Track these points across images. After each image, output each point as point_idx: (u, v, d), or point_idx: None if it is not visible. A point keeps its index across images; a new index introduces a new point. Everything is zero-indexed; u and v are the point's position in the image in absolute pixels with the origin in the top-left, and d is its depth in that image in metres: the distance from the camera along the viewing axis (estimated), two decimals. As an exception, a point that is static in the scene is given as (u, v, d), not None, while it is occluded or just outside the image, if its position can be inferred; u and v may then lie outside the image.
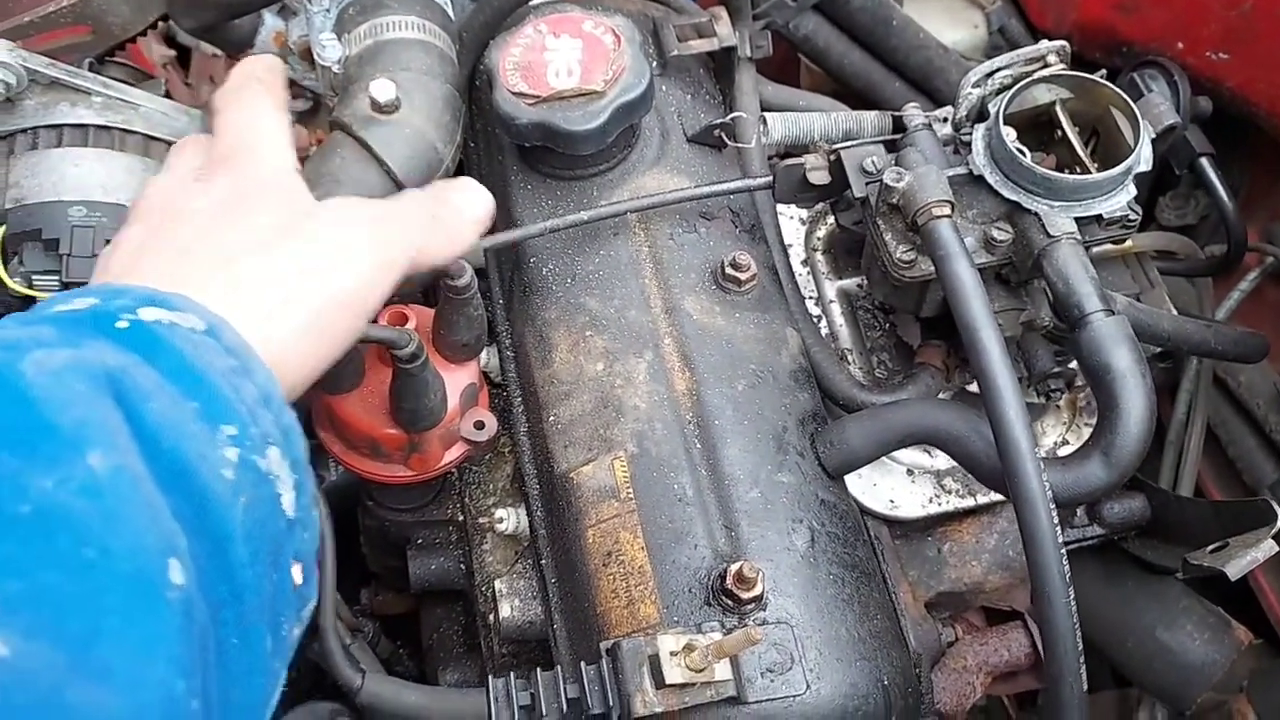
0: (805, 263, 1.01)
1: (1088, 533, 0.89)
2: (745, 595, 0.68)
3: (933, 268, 0.77)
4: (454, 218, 0.68)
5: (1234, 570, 0.70)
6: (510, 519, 0.91)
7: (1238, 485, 1.11)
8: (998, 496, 0.88)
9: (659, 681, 0.64)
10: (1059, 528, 0.68)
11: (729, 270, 0.83)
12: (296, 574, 0.49)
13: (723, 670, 0.64)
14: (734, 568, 0.68)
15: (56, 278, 0.92)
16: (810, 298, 0.99)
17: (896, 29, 1.04)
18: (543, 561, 0.83)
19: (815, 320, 0.95)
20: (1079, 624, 0.69)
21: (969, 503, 0.88)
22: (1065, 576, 0.68)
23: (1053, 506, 0.68)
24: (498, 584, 0.86)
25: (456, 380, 0.84)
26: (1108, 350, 0.69)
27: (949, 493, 0.89)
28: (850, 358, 0.96)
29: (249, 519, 0.46)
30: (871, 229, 0.80)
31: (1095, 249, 0.83)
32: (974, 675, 0.92)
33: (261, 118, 0.65)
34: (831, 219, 1.02)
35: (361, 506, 1.03)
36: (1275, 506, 0.72)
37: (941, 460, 0.90)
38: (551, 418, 0.82)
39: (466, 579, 0.98)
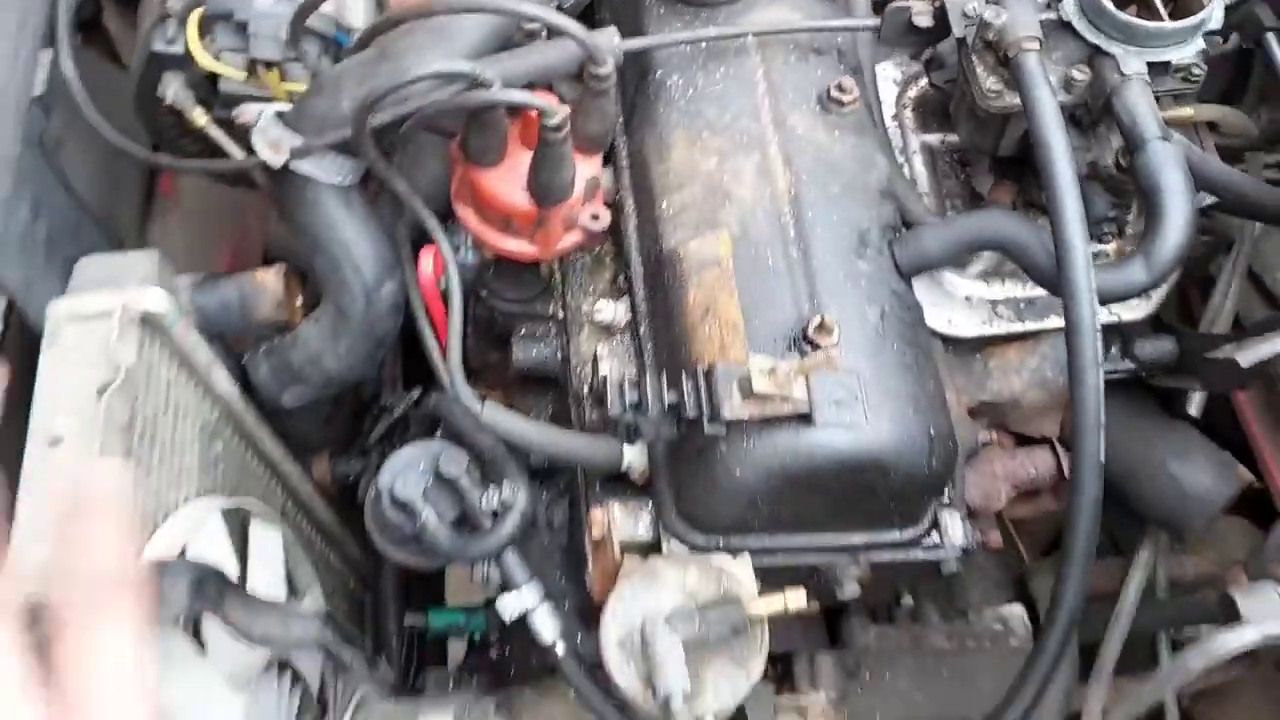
0: (895, 118, 1.13)
1: (1119, 366, 1.01)
2: (824, 342, 0.81)
3: (1017, 101, 0.88)
4: None
5: (1246, 359, 0.81)
6: (608, 309, 1.05)
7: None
8: (1045, 324, 1.00)
9: (746, 393, 0.77)
10: (1099, 318, 0.79)
11: (834, 92, 0.94)
12: None
13: (799, 392, 0.77)
14: (816, 318, 0.81)
15: (243, 54, 1.06)
16: (897, 147, 1.10)
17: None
18: (640, 330, 0.96)
19: (900, 165, 1.07)
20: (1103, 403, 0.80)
21: (1018, 327, 1.00)
22: (1098, 359, 0.80)
23: (1095, 299, 0.79)
24: (599, 347, 0.99)
25: (583, 170, 0.97)
26: (1160, 169, 0.80)
27: (1001, 318, 1.00)
28: (926, 200, 1.07)
29: None
30: (964, 65, 0.91)
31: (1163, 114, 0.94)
32: (1002, 483, 1.04)
33: (116, 674, 0.47)
34: (923, 81, 1.13)
35: (475, 297, 1.17)
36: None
37: (997, 291, 1.01)
38: (664, 204, 0.95)
39: (562, 365, 1.12)
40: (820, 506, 0.86)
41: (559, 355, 1.13)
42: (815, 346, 0.81)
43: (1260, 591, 0.73)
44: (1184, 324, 1.12)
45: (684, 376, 0.80)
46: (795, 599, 0.83)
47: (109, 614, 0.47)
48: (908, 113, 1.13)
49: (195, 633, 0.93)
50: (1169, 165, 0.80)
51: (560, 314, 1.14)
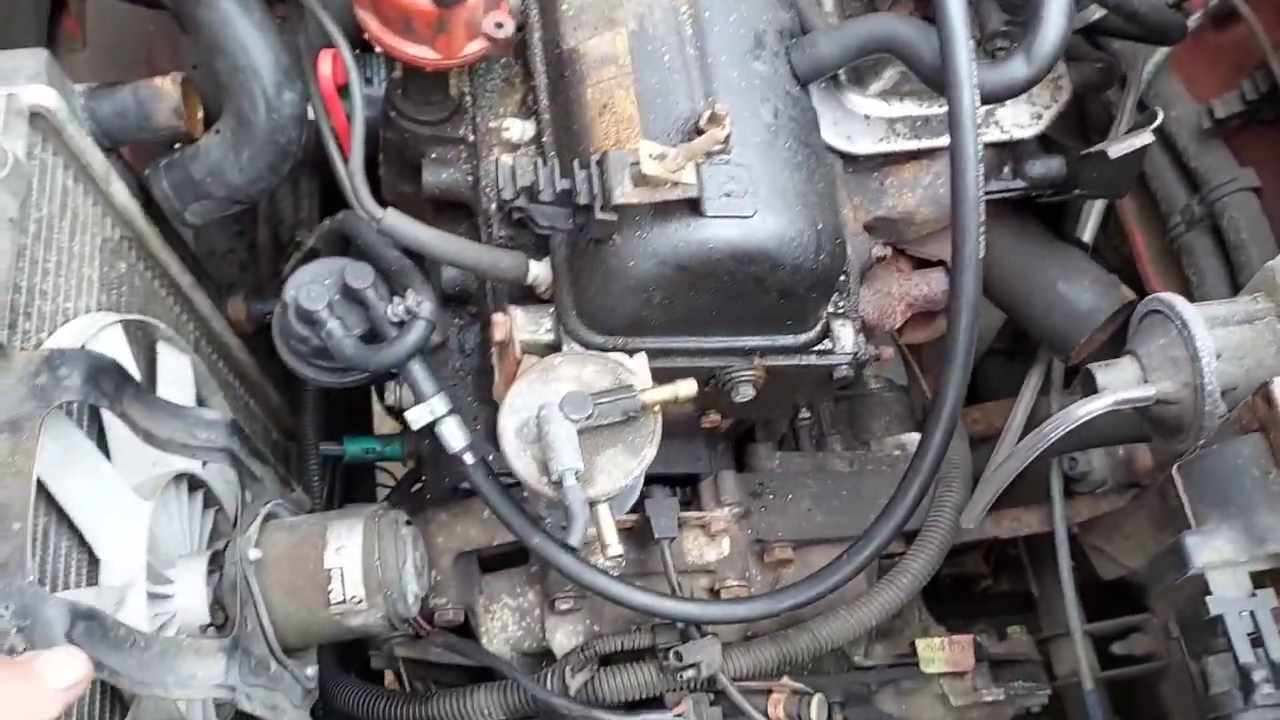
0: (808, -58, 1.12)
1: (1012, 185, 1.04)
2: (715, 133, 0.82)
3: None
4: (28, 693, 0.63)
5: (1115, 150, 0.85)
6: (516, 128, 1.05)
7: (1155, 218, 1.26)
8: (939, 142, 1.02)
9: (637, 179, 0.78)
10: (980, 111, 0.82)
11: (735, -103, 0.94)
12: None
13: (689, 176, 0.79)
14: (707, 111, 0.82)
15: None
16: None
17: None
18: (544, 139, 0.97)
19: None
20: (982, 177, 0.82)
21: (913, 144, 1.02)
22: (978, 150, 0.82)
23: (977, 90, 0.81)
24: (504, 158, 0.99)
25: (485, -27, 0.96)
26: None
27: (898, 135, 1.02)
28: (830, 17, 1.08)
29: None
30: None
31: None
32: (896, 301, 1.08)
33: None
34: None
35: (385, 120, 1.16)
36: (1158, 109, 0.86)
37: (895, 109, 1.03)
38: (565, 5, 0.94)
39: (472, 188, 1.12)
40: (713, 303, 0.89)
41: (469, 178, 1.13)
42: (706, 138, 0.82)
43: (1118, 366, 0.78)
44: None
45: (577, 166, 0.81)
46: (685, 387, 0.87)
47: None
48: (820, -65, 1.13)
49: (100, 438, 0.93)
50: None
51: (470, 137, 1.13)
